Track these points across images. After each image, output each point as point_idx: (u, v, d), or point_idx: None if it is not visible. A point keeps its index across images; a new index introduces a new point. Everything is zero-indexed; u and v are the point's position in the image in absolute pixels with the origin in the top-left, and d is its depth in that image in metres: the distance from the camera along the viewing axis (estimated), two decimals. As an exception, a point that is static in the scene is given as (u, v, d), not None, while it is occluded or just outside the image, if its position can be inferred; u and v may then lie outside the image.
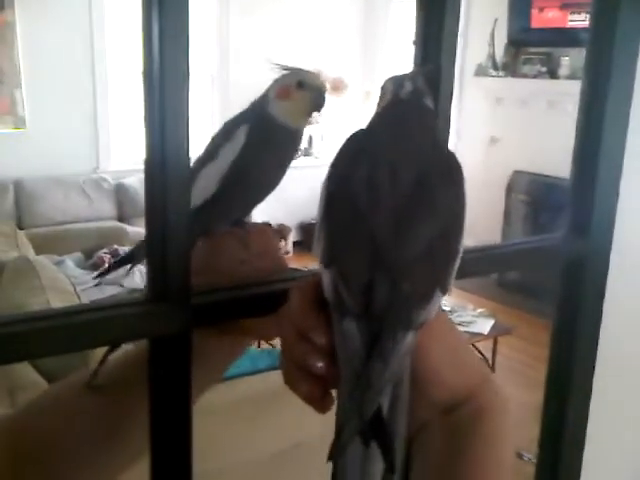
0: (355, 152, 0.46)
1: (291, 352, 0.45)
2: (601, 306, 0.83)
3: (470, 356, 0.51)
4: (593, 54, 0.74)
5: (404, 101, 0.48)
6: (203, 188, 0.56)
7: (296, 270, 0.58)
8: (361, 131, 0.48)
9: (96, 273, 4.13)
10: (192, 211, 0.49)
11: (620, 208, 0.80)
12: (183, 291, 0.48)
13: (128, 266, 0.67)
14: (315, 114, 0.59)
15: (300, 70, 0.58)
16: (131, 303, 0.47)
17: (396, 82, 0.49)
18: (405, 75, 0.50)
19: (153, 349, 0.49)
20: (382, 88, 0.51)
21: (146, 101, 0.46)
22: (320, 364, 0.43)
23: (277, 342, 0.49)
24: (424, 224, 0.44)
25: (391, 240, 0.42)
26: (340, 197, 0.45)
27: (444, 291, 0.43)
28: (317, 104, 0.57)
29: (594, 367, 0.82)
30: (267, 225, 0.62)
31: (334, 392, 0.45)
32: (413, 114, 0.49)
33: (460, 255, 0.45)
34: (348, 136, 0.48)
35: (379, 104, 0.51)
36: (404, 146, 0.46)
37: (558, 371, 0.80)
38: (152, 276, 0.47)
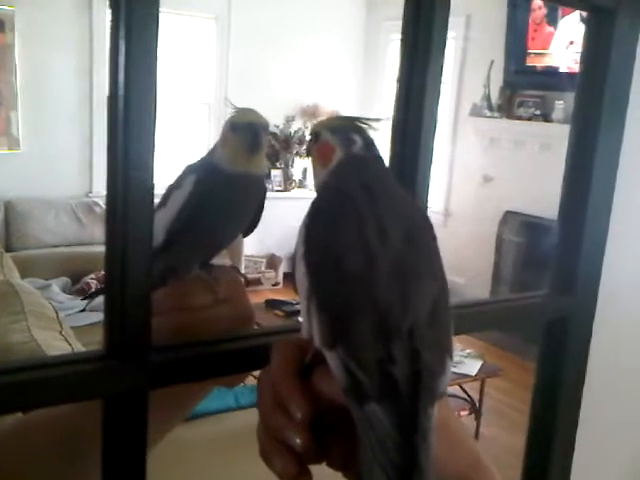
0: (332, 216, 0.43)
1: (267, 423, 0.42)
2: (585, 364, 0.81)
3: (464, 434, 0.48)
4: (582, 104, 0.72)
5: (360, 157, 0.45)
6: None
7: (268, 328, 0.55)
8: (328, 194, 0.45)
9: (84, 298, 4.11)
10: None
11: (605, 263, 0.78)
12: (142, 347, 0.45)
13: None
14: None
15: (241, 110, 0.57)
16: (86, 359, 0.44)
17: (342, 136, 0.46)
18: (348, 127, 0.46)
19: (108, 406, 0.46)
20: (316, 134, 0.48)
21: (110, 130, 0.43)
22: (298, 440, 0.40)
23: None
24: (427, 284, 0.40)
25: (399, 305, 0.38)
26: (328, 265, 0.40)
27: (451, 357, 0.40)
28: (249, 145, 0.55)
29: (576, 428, 0.80)
30: (234, 269, 0.60)
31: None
32: (376, 170, 0.46)
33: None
34: (314, 202, 0.45)
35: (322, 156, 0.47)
36: (383, 203, 0.43)
37: (539, 432, 0.77)
38: (110, 330, 0.45)
